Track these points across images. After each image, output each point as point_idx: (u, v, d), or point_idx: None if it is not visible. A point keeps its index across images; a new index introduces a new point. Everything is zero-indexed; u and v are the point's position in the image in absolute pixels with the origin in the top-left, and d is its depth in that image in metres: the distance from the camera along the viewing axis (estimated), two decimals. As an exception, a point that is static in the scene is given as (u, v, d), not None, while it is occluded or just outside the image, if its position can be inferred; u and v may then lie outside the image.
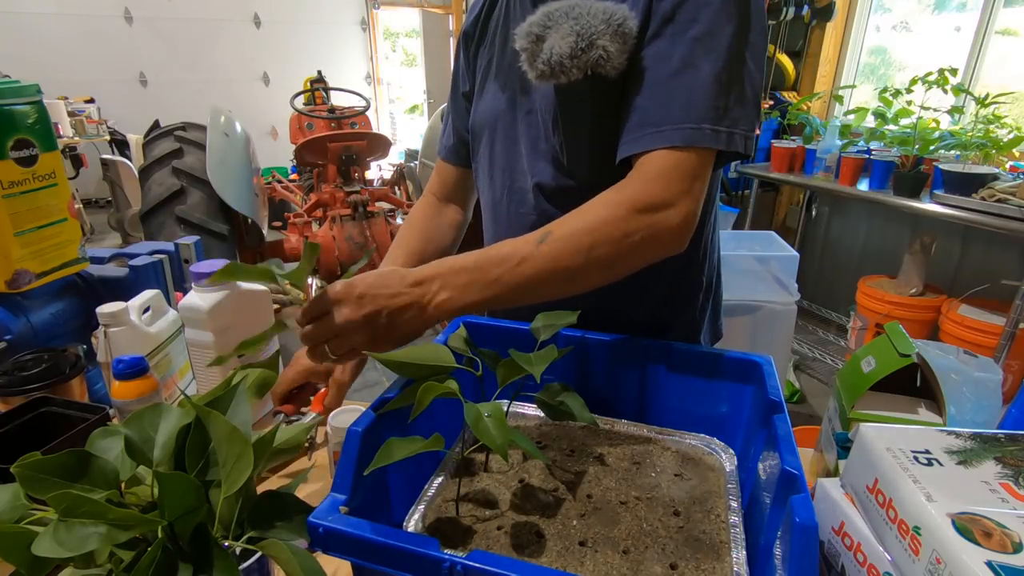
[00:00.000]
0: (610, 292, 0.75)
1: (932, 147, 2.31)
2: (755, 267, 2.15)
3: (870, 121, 2.60)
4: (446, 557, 0.41)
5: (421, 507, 0.56)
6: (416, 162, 3.51)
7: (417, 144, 3.84)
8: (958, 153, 2.31)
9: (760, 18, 0.64)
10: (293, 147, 3.31)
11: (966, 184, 2.09)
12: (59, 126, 4.37)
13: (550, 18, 0.67)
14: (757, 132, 3.11)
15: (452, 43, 6.51)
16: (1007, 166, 2.25)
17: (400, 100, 7.91)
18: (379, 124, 6.86)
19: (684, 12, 0.62)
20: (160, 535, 0.43)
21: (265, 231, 2.89)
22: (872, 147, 2.56)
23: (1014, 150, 2.24)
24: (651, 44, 0.64)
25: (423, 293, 0.59)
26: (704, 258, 0.83)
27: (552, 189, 0.77)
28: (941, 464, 0.48)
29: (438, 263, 0.62)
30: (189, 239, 1.30)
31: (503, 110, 0.80)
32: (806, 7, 3.03)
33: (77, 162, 4.77)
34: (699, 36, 0.62)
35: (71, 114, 4.69)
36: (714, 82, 0.61)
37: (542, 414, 0.63)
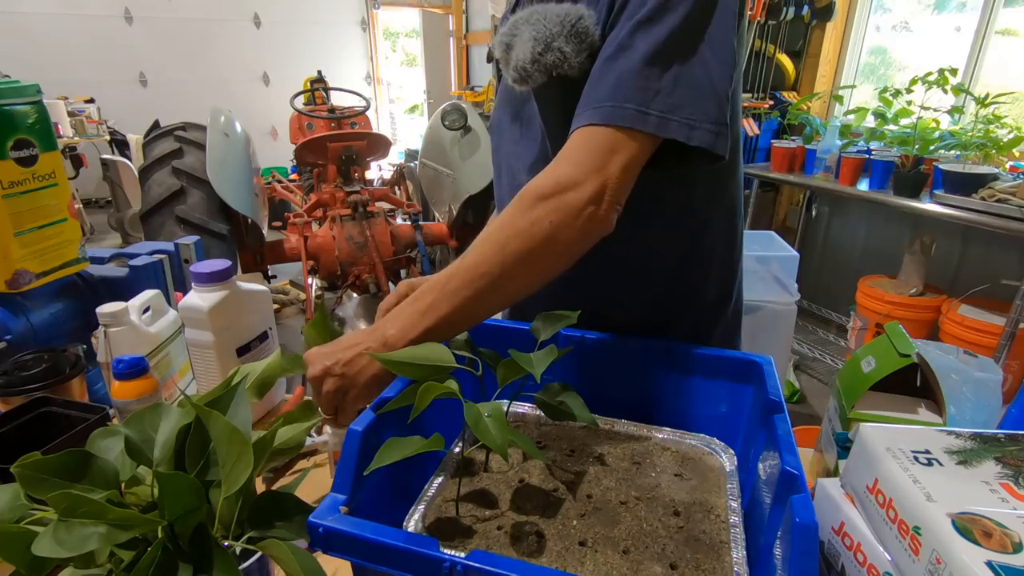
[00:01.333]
0: (595, 293, 0.76)
1: (932, 147, 2.31)
2: (755, 267, 2.15)
3: (870, 121, 2.60)
4: (446, 557, 0.41)
5: (421, 507, 0.56)
6: (416, 162, 3.50)
7: (417, 144, 3.84)
8: (958, 153, 2.31)
9: (727, 14, 0.61)
10: (293, 147, 3.31)
11: (966, 184, 2.09)
12: (59, 126, 4.37)
13: (515, 27, 0.68)
14: (749, 131, 3.11)
15: (452, 43, 6.51)
16: (1007, 166, 2.25)
17: (400, 100, 7.92)
18: (379, 124, 6.87)
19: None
20: (160, 535, 0.43)
21: (265, 231, 2.88)
22: (872, 147, 2.56)
23: (1014, 150, 2.24)
24: (608, 36, 0.63)
25: (375, 336, 0.59)
26: (709, 267, 0.79)
27: None
28: (941, 464, 0.48)
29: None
30: (189, 239, 1.30)
31: (505, 118, 0.83)
32: (806, 7, 3.03)
33: (77, 162, 4.77)
34: (642, 19, 0.60)
35: (71, 114, 4.69)
36: (648, 63, 0.59)
37: (542, 414, 0.63)
